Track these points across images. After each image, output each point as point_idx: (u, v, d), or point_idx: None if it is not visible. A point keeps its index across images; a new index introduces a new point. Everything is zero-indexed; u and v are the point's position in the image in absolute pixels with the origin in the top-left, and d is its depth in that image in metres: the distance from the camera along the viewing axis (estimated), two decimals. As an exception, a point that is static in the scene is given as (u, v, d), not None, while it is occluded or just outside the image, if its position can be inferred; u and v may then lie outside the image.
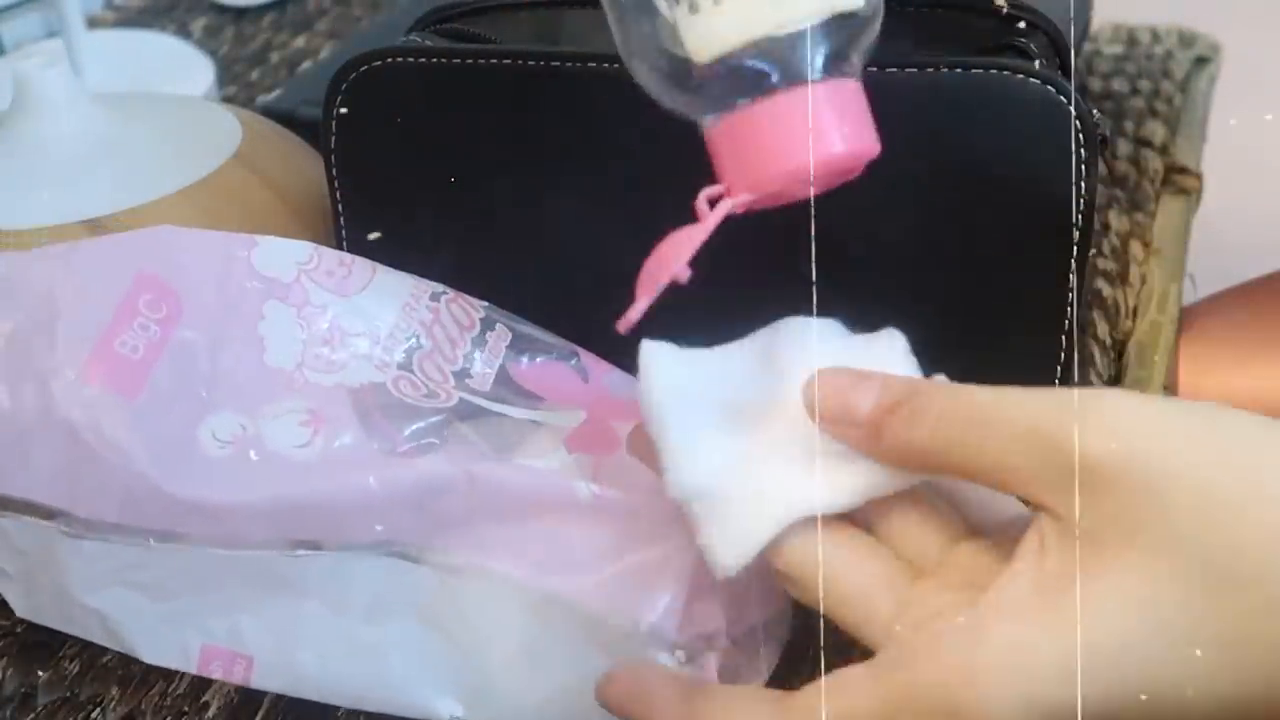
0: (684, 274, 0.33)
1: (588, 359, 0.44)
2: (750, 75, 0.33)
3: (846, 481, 0.32)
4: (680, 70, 0.34)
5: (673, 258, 0.33)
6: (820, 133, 0.33)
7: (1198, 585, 0.26)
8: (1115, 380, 0.55)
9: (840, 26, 0.33)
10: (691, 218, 0.45)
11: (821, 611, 0.32)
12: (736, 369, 0.35)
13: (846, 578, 0.31)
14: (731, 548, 0.32)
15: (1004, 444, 0.29)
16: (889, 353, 0.35)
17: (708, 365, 0.36)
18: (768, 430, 0.33)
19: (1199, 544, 0.26)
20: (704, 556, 0.32)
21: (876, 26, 0.34)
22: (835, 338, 0.36)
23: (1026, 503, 0.30)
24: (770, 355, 0.36)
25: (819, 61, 0.33)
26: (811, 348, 0.35)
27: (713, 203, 0.34)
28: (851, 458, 0.32)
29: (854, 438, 0.31)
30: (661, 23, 0.34)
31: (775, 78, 0.33)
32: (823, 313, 0.45)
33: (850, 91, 0.33)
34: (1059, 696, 0.27)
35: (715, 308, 0.46)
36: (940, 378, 0.34)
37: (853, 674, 0.29)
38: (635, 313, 0.33)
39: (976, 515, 0.33)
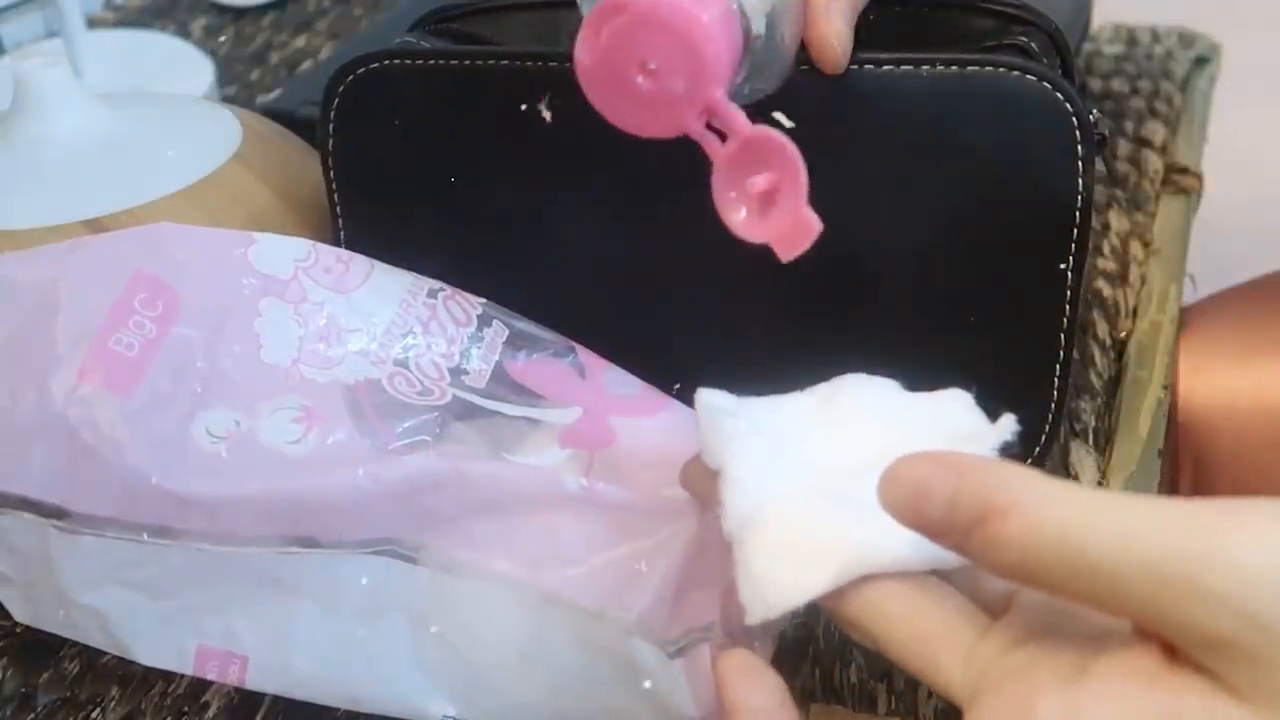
0: None
1: (585, 356, 0.44)
2: None
3: (913, 544, 0.30)
4: None
5: None
6: None
7: None
8: (1115, 380, 0.55)
9: None
10: (688, 217, 0.45)
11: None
12: (795, 417, 0.34)
13: (911, 626, 0.29)
14: (773, 594, 0.30)
15: (1118, 602, 0.25)
16: (957, 412, 0.34)
17: (765, 412, 0.34)
18: (830, 479, 0.32)
19: None
20: (741, 593, 0.31)
21: None
22: (898, 394, 0.35)
23: None
24: (830, 405, 0.35)
25: None
26: (873, 398, 0.34)
27: None
28: None
29: (940, 544, 0.28)
30: None
31: None
32: (823, 313, 0.45)
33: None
34: None
35: (716, 311, 0.46)
36: (1008, 424, 0.32)
37: None
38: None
39: None
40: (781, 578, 0.30)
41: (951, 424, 0.33)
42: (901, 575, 0.30)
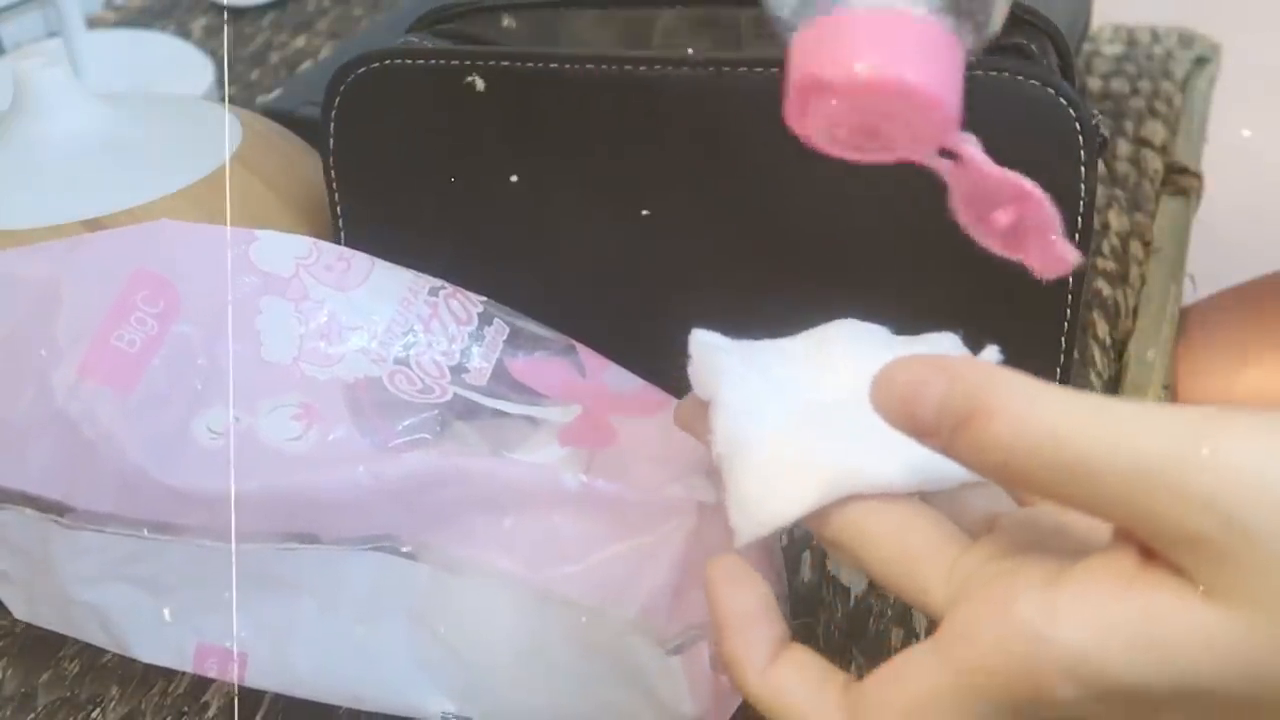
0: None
1: (585, 354, 0.44)
2: None
3: (899, 468, 0.30)
4: None
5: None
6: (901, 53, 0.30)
7: None
8: (1115, 380, 0.55)
9: None
10: (687, 217, 0.45)
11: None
12: (786, 356, 0.35)
13: (895, 543, 0.30)
14: (763, 512, 0.31)
15: (1101, 501, 0.25)
16: (944, 349, 0.35)
17: (758, 352, 0.35)
18: (821, 409, 0.33)
19: None
20: (730, 517, 0.31)
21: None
22: (887, 337, 0.35)
23: None
24: (822, 347, 0.35)
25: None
26: (864, 343, 0.35)
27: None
28: (908, 444, 0.29)
29: (927, 445, 0.28)
30: None
31: None
32: (823, 313, 0.45)
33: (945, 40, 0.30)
34: (1127, 696, 0.25)
35: (716, 310, 0.46)
36: (991, 354, 0.32)
37: (919, 659, 0.28)
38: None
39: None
40: (770, 498, 0.31)
41: None
42: (886, 496, 0.30)
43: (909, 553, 0.30)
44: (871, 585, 0.44)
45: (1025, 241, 0.31)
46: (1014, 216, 0.31)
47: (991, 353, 0.33)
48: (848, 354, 0.35)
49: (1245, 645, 0.24)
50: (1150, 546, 0.25)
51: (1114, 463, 0.25)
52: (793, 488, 0.31)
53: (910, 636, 0.43)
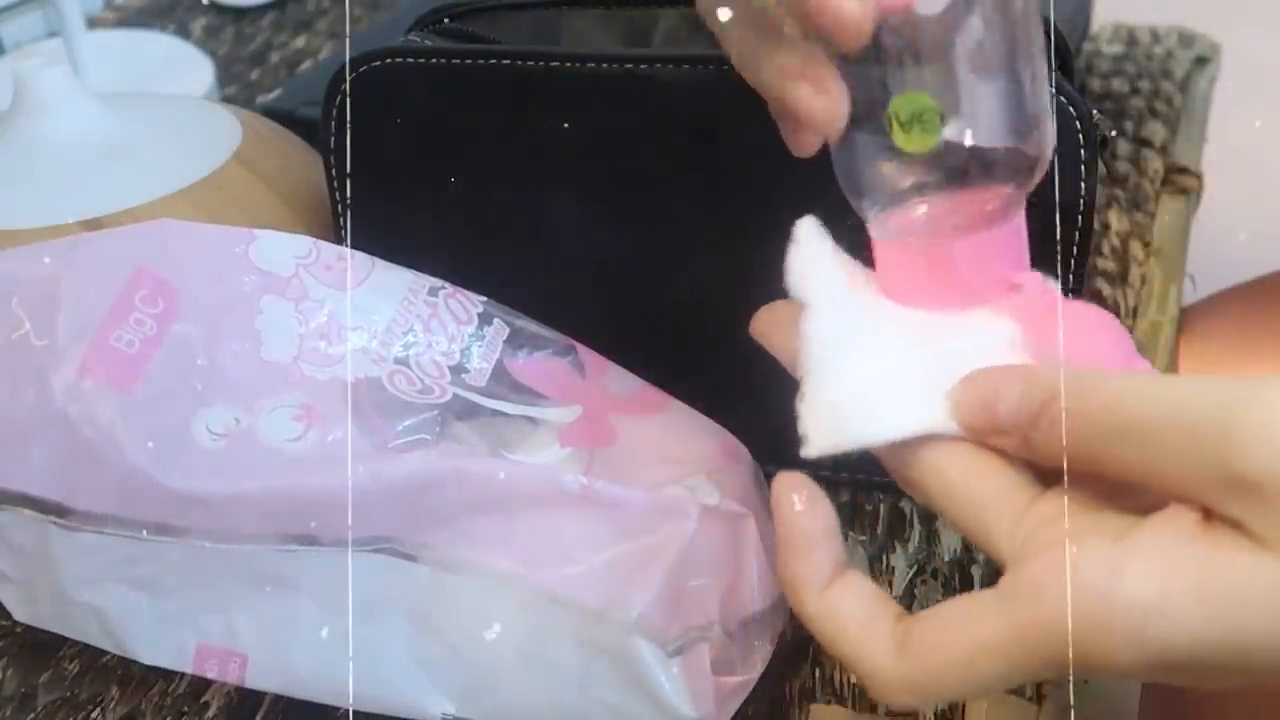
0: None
1: (585, 354, 0.44)
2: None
3: None
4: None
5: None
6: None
7: None
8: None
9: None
10: (688, 217, 0.45)
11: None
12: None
13: (966, 488, 0.30)
14: (846, 428, 0.31)
15: (1158, 459, 0.27)
16: None
17: (855, 266, 0.35)
18: (910, 335, 0.33)
19: None
20: (803, 424, 0.31)
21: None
22: None
23: None
24: None
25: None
26: None
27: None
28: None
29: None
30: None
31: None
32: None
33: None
34: (1188, 653, 0.26)
35: (716, 310, 0.46)
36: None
37: (981, 606, 0.28)
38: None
39: None
40: (854, 415, 0.31)
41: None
42: (961, 439, 0.31)
43: (979, 498, 0.30)
44: (872, 579, 0.44)
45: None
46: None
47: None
48: None
49: None
50: (1209, 507, 0.26)
51: (1167, 420, 0.26)
52: (882, 411, 0.31)
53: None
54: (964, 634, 0.28)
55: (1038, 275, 0.33)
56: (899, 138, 0.31)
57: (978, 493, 0.30)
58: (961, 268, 0.32)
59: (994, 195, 0.32)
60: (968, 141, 0.31)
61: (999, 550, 0.29)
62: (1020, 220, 0.33)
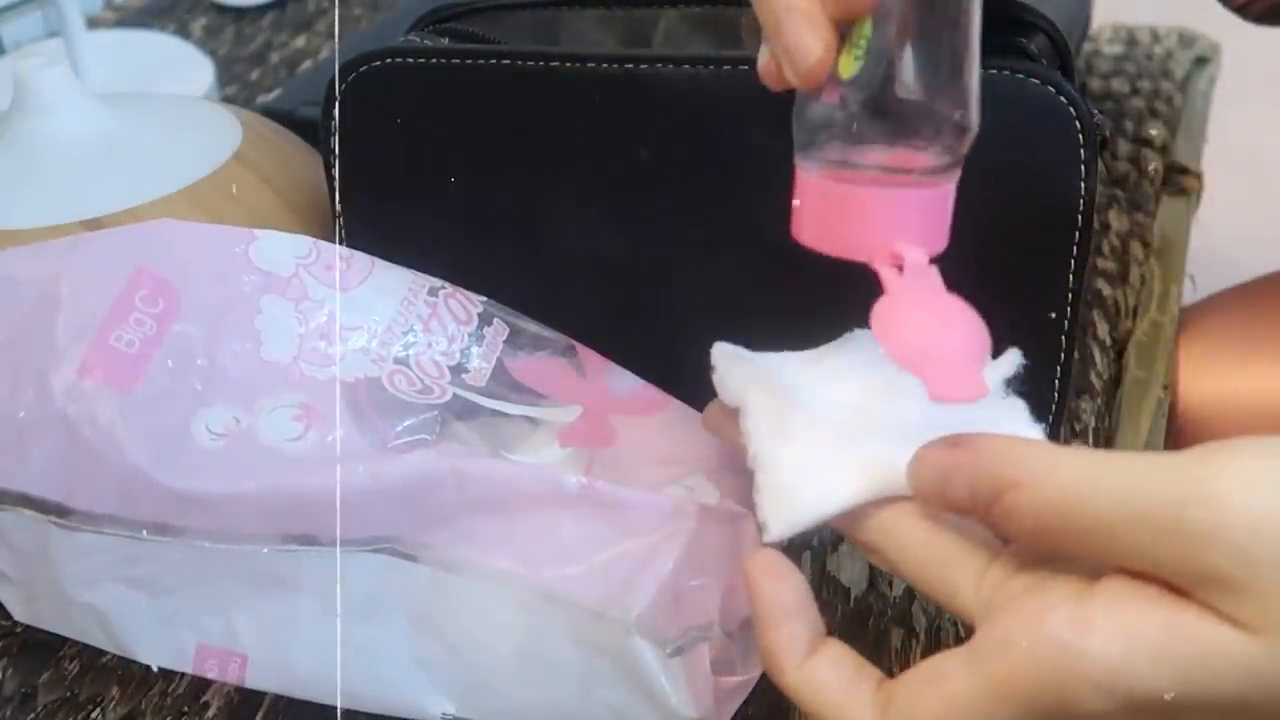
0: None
1: (585, 354, 0.44)
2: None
3: None
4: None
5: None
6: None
7: None
8: (1115, 380, 0.55)
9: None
10: (688, 217, 0.45)
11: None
12: (805, 365, 0.36)
13: (926, 546, 0.31)
14: (798, 506, 0.32)
15: (1120, 552, 0.27)
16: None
17: (777, 362, 0.36)
18: (847, 414, 0.34)
19: None
20: (761, 512, 0.32)
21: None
22: None
23: None
24: (837, 358, 0.36)
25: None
26: (876, 351, 0.35)
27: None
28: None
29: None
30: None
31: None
32: (824, 313, 0.45)
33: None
34: (1158, 704, 0.26)
35: (716, 310, 0.46)
36: (1013, 358, 0.34)
37: (954, 664, 0.29)
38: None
39: None
40: (803, 494, 0.31)
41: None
42: (916, 500, 0.31)
43: (939, 556, 0.31)
44: (871, 585, 0.44)
45: (936, 361, 0.32)
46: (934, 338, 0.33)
47: (1014, 356, 0.35)
48: (859, 363, 0.35)
49: (1271, 667, 0.25)
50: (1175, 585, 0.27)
51: (1125, 517, 0.26)
52: (829, 484, 0.31)
53: (910, 636, 0.43)
54: (939, 693, 0.28)
55: (925, 259, 0.33)
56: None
57: (937, 553, 0.31)
58: (870, 217, 0.33)
59: (923, 159, 0.33)
60: (901, 90, 0.32)
61: (965, 609, 0.30)
62: (944, 191, 0.34)
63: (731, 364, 0.35)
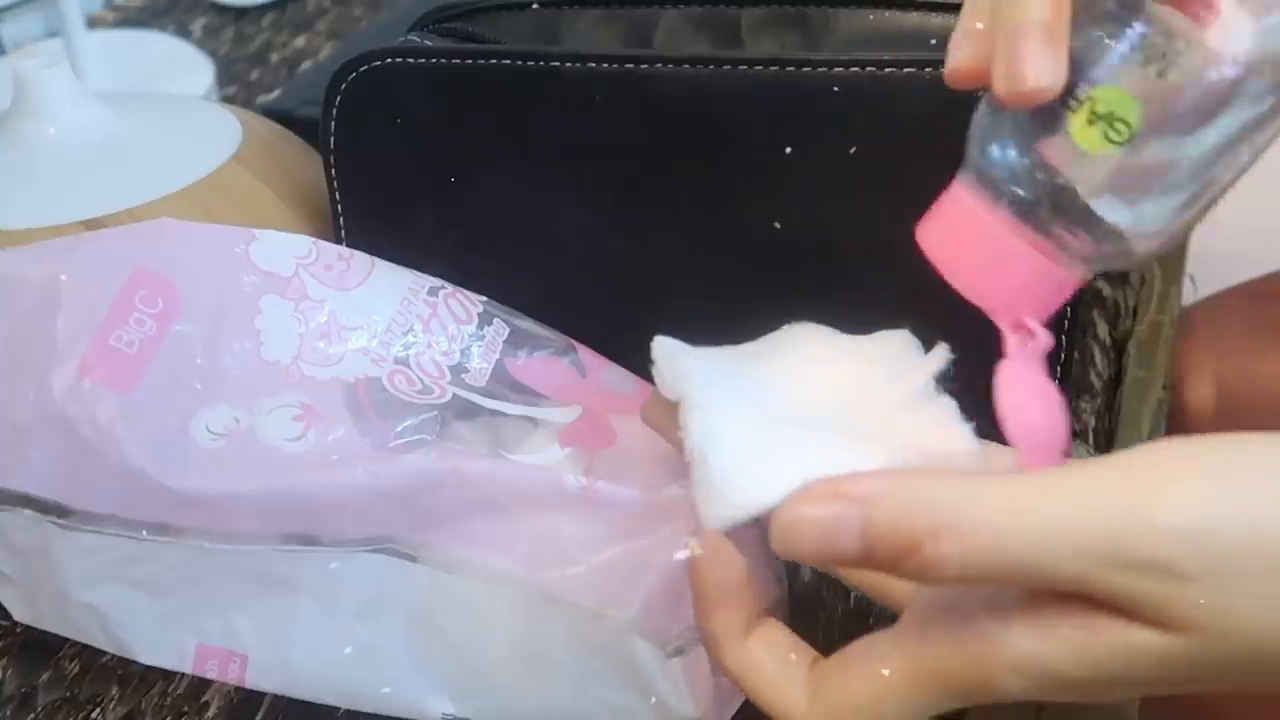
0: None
1: (585, 354, 0.44)
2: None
3: (868, 462, 0.30)
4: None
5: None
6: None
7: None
8: (1115, 380, 0.55)
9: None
10: (688, 217, 0.45)
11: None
12: (746, 359, 0.36)
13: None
14: (734, 499, 0.31)
15: (1044, 581, 0.26)
16: (895, 347, 0.35)
17: (718, 357, 0.36)
18: (786, 406, 0.34)
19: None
20: (698, 506, 0.32)
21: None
22: (841, 338, 0.36)
23: None
24: (777, 350, 0.36)
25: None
26: (816, 345, 0.36)
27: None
28: (868, 439, 0.31)
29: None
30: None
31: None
32: (823, 313, 0.45)
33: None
34: (1074, 684, 0.27)
35: (715, 310, 0.46)
36: (941, 353, 0.33)
37: (880, 647, 0.29)
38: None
39: None
40: (740, 485, 0.31)
41: (890, 360, 0.34)
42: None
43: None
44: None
45: (1037, 438, 0.31)
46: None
47: (942, 351, 0.34)
48: (803, 357, 0.35)
49: (1185, 662, 0.26)
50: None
51: (1058, 554, 0.26)
52: (764, 478, 0.31)
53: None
54: (865, 675, 0.29)
55: (1051, 343, 0.32)
56: (1076, 122, 0.28)
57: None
58: (1016, 276, 0.31)
59: (1082, 246, 0.31)
60: (1105, 209, 0.29)
61: (897, 596, 0.31)
62: (1080, 280, 0.32)
63: (671, 357, 0.35)
